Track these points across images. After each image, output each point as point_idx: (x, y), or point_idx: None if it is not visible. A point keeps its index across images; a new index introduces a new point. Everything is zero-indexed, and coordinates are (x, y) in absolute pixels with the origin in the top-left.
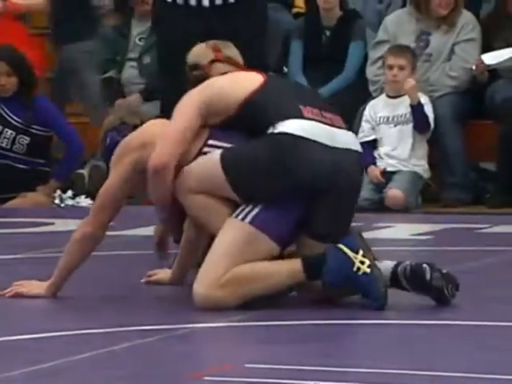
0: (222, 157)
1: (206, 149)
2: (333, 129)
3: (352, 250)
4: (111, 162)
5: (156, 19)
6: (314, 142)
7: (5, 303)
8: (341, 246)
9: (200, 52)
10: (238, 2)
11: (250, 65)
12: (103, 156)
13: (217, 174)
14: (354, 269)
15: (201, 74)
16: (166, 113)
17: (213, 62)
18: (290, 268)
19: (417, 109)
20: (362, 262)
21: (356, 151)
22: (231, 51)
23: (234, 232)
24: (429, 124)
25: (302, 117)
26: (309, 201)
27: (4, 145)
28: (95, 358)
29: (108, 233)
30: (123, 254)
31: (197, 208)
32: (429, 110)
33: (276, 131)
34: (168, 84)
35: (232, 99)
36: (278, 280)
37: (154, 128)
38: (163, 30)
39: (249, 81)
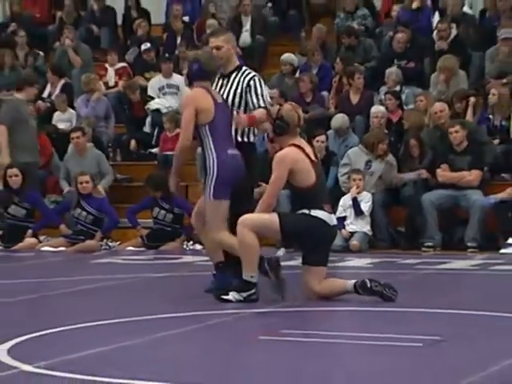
0: (280, 219)
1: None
2: (331, 215)
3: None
4: None
5: None
6: (325, 222)
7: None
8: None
9: (291, 113)
10: None
11: None
12: None
13: (275, 227)
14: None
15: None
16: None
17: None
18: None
19: (353, 202)
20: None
21: (336, 225)
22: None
23: None
24: (362, 212)
25: (324, 210)
26: (313, 246)
27: (160, 218)
28: (191, 331)
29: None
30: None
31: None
32: (365, 204)
33: (311, 213)
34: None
35: (301, 179)
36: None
37: None
38: None
39: (312, 173)
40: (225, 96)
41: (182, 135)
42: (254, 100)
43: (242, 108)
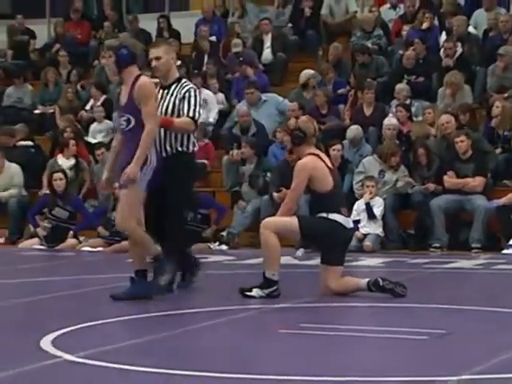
0: (299, 222)
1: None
2: (348, 219)
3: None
4: None
5: None
6: (342, 225)
7: None
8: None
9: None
10: None
11: None
12: None
13: (295, 229)
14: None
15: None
16: None
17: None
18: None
19: (366, 206)
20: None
21: (352, 228)
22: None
23: None
24: (374, 215)
25: (341, 213)
26: (331, 247)
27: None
28: (216, 324)
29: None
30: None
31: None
32: (377, 209)
33: (329, 217)
34: None
35: (320, 185)
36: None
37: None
38: None
39: (330, 179)
40: (164, 107)
41: (155, 121)
42: (185, 110)
43: (175, 116)
